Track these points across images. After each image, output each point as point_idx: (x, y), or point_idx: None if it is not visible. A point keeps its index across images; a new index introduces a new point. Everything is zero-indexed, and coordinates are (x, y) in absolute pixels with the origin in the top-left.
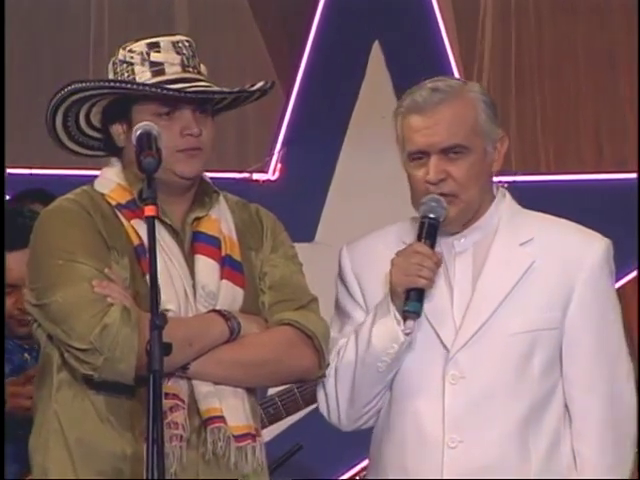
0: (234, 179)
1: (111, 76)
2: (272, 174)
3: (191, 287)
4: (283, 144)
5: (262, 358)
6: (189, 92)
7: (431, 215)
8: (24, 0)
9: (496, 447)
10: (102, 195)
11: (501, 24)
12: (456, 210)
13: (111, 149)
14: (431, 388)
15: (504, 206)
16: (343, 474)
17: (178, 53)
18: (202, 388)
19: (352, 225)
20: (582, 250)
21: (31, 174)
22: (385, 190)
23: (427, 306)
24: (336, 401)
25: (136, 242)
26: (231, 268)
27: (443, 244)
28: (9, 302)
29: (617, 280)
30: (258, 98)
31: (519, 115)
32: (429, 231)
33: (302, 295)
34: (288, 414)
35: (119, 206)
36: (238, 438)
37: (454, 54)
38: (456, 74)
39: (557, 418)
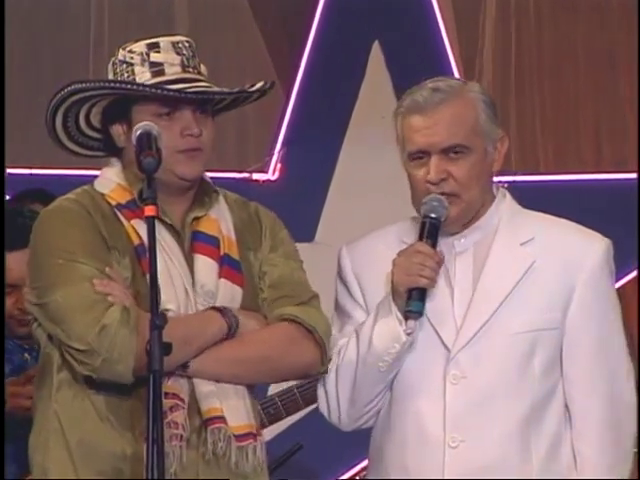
0: (234, 179)
1: (111, 76)
2: (272, 174)
3: (191, 286)
4: (283, 144)
5: (263, 355)
6: (189, 92)
7: (432, 215)
8: (24, 0)
9: (497, 447)
10: (102, 195)
11: (501, 24)
12: (457, 210)
13: (111, 149)
14: (432, 388)
15: (504, 206)
16: (343, 474)
17: (178, 53)
18: (203, 388)
19: (352, 225)
20: (582, 250)
21: (31, 174)
22: (385, 190)
23: (428, 306)
24: (337, 401)
25: (136, 242)
26: (229, 267)
27: (443, 244)
28: (9, 302)
29: (617, 280)
30: (258, 98)
31: (519, 115)
32: (430, 231)
33: (303, 291)
34: (288, 414)
35: (119, 206)
36: (239, 438)
37: (454, 54)
38: (456, 74)
39: (557, 418)
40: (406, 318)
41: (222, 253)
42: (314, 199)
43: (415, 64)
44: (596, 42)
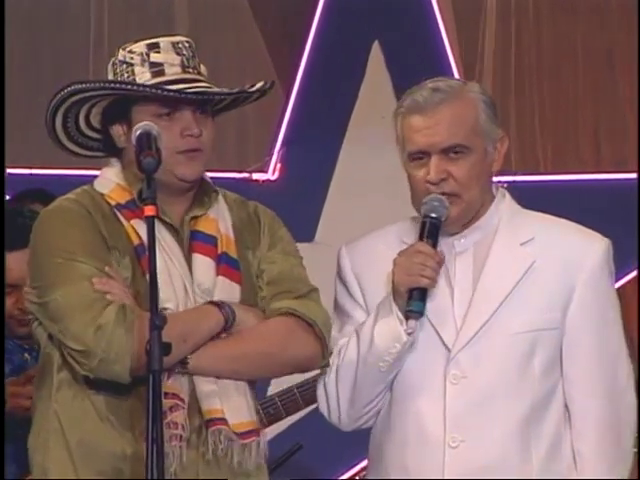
0: (234, 179)
1: (111, 77)
2: (272, 174)
3: (191, 285)
4: (283, 144)
5: (263, 350)
6: (189, 93)
7: (433, 215)
8: (24, 0)
9: (497, 447)
10: (102, 195)
11: (501, 24)
12: (458, 210)
13: (110, 150)
14: (432, 388)
15: (504, 206)
16: (343, 474)
17: (178, 54)
18: (204, 387)
19: (352, 225)
20: (582, 250)
21: (31, 174)
22: (385, 190)
23: (428, 306)
24: (337, 401)
25: (136, 242)
26: (227, 265)
27: (443, 244)
28: (9, 302)
29: (617, 280)
30: (258, 98)
31: (518, 115)
32: (431, 230)
33: (301, 286)
34: (288, 414)
35: (119, 206)
36: (243, 435)
37: (454, 54)
38: (456, 74)
39: (557, 418)
40: (407, 318)
41: (220, 251)
42: (314, 199)
43: (415, 64)
44: (595, 42)
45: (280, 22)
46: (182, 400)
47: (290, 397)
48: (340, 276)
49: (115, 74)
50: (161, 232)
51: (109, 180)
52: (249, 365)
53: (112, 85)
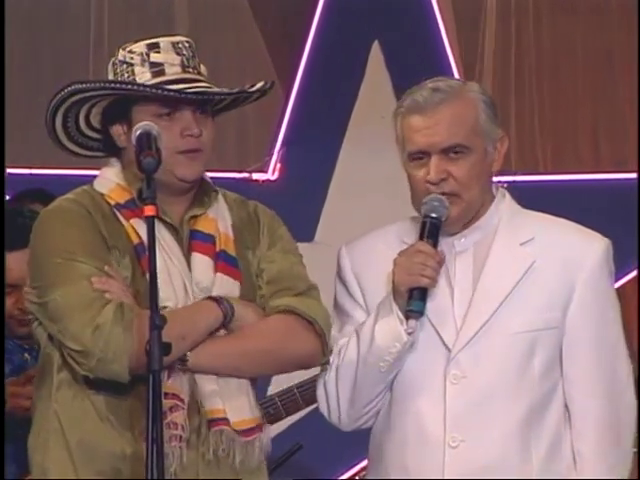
0: (234, 179)
1: (111, 77)
2: (272, 174)
3: (191, 284)
4: (283, 144)
5: (263, 347)
6: (189, 93)
7: (433, 214)
8: (24, 0)
9: (497, 447)
10: (101, 195)
11: (501, 24)
12: (458, 210)
13: (110, 150)
14: (432, 388)
15: (504, 206)
16: (343, 474)
17: (178, 54)
18: (205, 387)
19: (352, 225)
20: (582, 250)
21: (31, 174)
22: (385, 190)
23: (428, 306)
24: (337, 400)
25: (136, 241)
26: (225, 262)
27: (443, 244)
28: (9, 302)
29: (617, 280)
30: (258, 98)
31: (518, 115)
32: (431, 230)
33: (301, 283)
34: (288, 414)
35: (118, 206)
36: (245, 433)
37: (454, 54)
38: (456, 74)
39: (557, 418)
40: (407, 318)
41: (218, 249)
42: (314, 199)
43: (415, 64)
44: (595, 42)
45: (280, 22)
46: (182, 400)
47: (290, 397)
48: (340, 276)
49: (115, 74)
50: (161, 232)
51: (109, 180)
52: (249, 362)
53: (112, 85)
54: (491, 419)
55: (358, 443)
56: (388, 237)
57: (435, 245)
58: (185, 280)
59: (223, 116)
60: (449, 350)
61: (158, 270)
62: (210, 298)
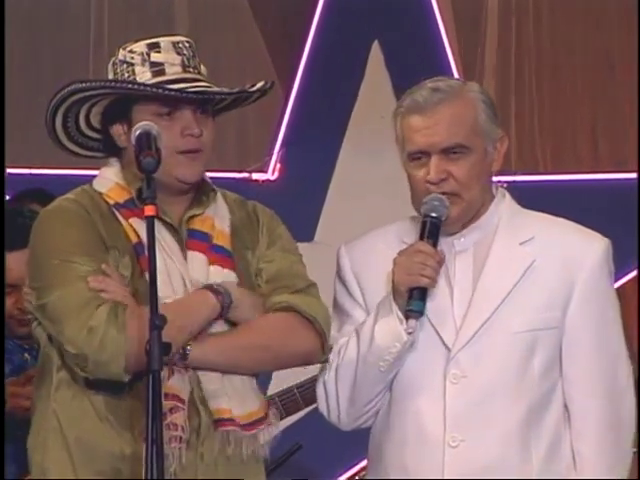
0: (234, 179)
1: (111, 76)
2: (272, 174)
3: (190, 283)
4: (283, 144)
5: (264, 343)
6: (190, 92)
7: (433, 214)
8: (24, 0)
9: (497, 447)
10: (100, 194)
11: (501, 25)
12: (458, 210)
13: (110, 150)
14: (432, 387)
15: (504, 206)
16: (342, 474)
17: (178, 53)
18: (209, 385)
19: (351, 225)
20: (582, 250)
21: (31, 174)
22: (384, 190)
23: (428, 306)
24: (336, 400)
25: (134, 240)
26: (217, 254)
27: (443, 243)
28: (9, 302)
29: (617, 280)
30: (258, 99)
31: (518, 115)
32: (431, 230)
33: (300, 281)
34: (288, 414)
35: (117, 205)
36: (252, 425)
37: (453, 54)
38: (455, 74)
39: (557, 418)
40: (407, 317)
41: (210, 245)
42: (314, 199)
43: (415, 64)
44: (595, 42)
45: (280, 22)
46: (182, 401)
47: (290, 397)
48: (339, 275)
49: (115, 74)
50: (161, 232)
51: (108, 179)
52: (249, 358)
53: (113, 84)
54: (491, 419)
55: (358, 443)
56: (388, 237)
57: (435, 245)
58: (185, 279)
59: (223, 116)
60: (449, 350)
61: (157, 270)
62: (207, 287)
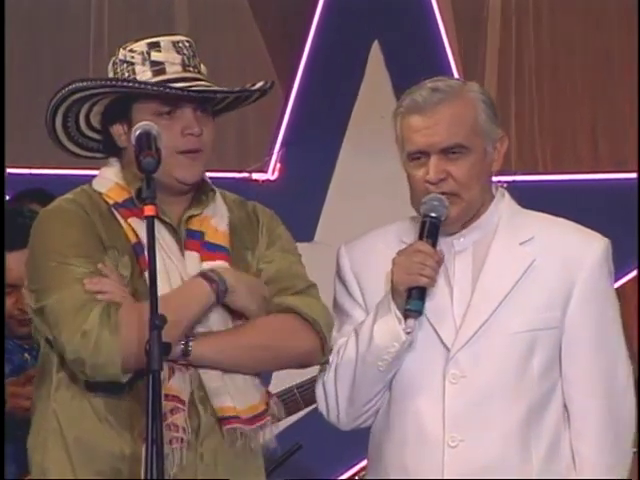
0: (234, 179)
1: (111, 76)
2: (272, 174)
3: None
4: (283, 144)
5: (264, 342)
6: (192, 91)
7: (432, 214)
8: (24, 0)
9: (497, 447)
10: (100, 194)
11: (502, 25)
12: (457, 210)
13: (110, 150)
14: (431, 387)
15: (503, 206)
16: (342, 474)
17: (179, 53)
18: (211, 383)
19: (351, 225)
20: (582, 249)
21: (31, 174)
22: (384, 190)
23: (427, 305)
24: (335, 400)
25: (134, 240)
26: (210, 251)
27: (443, 243)
28: (9, 302)
29: (617, 280)
30: (257, 99)
31: (518, 115)
32: (431, 230)
33: (300, 282)
34: (288, 414)
35: (116, 205)
36: (256, 418)
37: (453, 54)
38: (455, 74)
39: (557, 418)
40: (406, 317)
41: (203, 241)
42: (314, 199)
43: (415, 64)
44: (595, 42)
45: (280, 22)
46: (182, 402)
47: (290, 397)
48: (339, 275)
49: (115, 73)
50: (160, 232)
51: (108, 179)
52: (250, 357)
53: (114, 83)
54: (490, 419)
55: (357, 443)
56: (388, 237)
57: (434, 244)
58: (183, 279)
59: (223, 116)
60: (448, 350)
61: (157, 270)
62: (201, 275)
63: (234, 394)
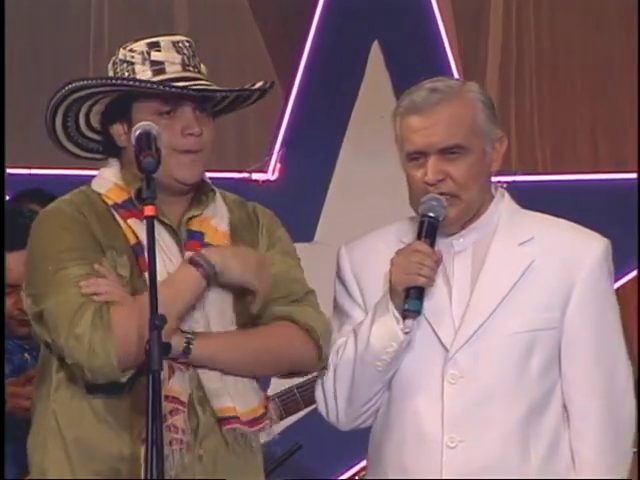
0: (234, 179)
1: (111, 75)
2: (272, 174)
3: None
4: (282, 144)
5: (266, 346)
6: (192, 90)
7: (431, 214)
8: (24, 0)
9: (496, 447)
10: (99, 195)
11: (502, 25)
12: (456, 211)
13: (110, 151)
14: (430, 388)
15: (503, 206)
16: (342, 474)
17: (178, 52)
18: (211, 384)
19: (351, 225)
20: (581, 250)
21: (30, 174)
22: (384, 190)
23: (426, 305)
24: (335, 400)
25: (133, 241)
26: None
27: (442, 243)
28: (9, 302)
29: (617, 280)
30: (256, 100)
31: (518, 115)
32: (429, 230)
33: (298, 289)
34: (288, 414)
35: (116, 206)
36: (255, 421)
37: (453, 54)
38: (455, 74)
39: (556, 418)
40: (404, 317)
41: (203, 242)
42: (313, 199)
43: (414, 64)
44: (595, 42)
45: (280, 22)
46: (182, 404)
47: (290, 397)
48: (339, 276)
49: (115, 73)
50: (160, 233)
51: (107, 180)
52: (251, 359)
53: (113, 82)
54: (489, 419)
55: (357, 443)
56: (387, 237)
57: (432, 244)
58: None
59: (223, 116)
60: (446, 350)
61: (157, 271)
62: (189, 261)
63: (234, 395)
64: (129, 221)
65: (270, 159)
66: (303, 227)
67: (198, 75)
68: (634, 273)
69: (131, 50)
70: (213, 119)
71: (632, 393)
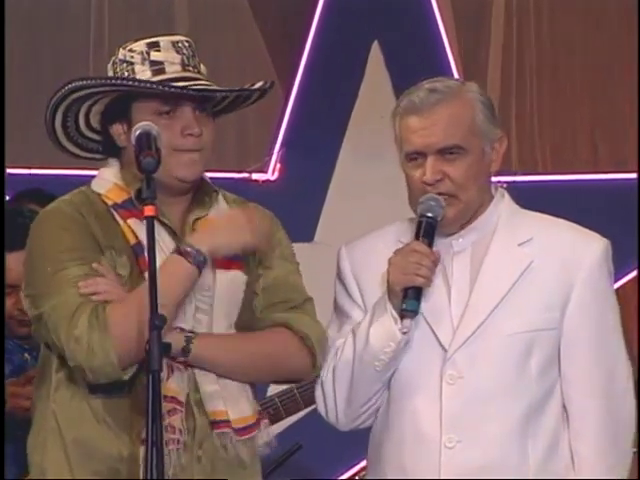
0: (234, 179)
1: (111, 75)
2: (271, 174)
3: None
4: (282, 144)
5: (264, 351)
6: (192, 90)
7: (429, 214)
8: (24, 0)
9: (494, 447)
10: (99, 195)
11: (501, 24)
12: (455, 211)
13: (109, 151)
14: (429, 388)
15: (503, 206)
16: (342, 474)
17: (178, 52)
18: (207, 387)
19: (351, 225)
20: (581, 250)
21: (30, 174)
22: (384, 190)
23: (425, 306)
24: (334, 400)
25: (133, 241)
26: (223, 257)
27: (441, 244)
28: (9, 302)
29: (617, 280)
30: (256, 100)
31: (518, 115)
32: (427, 230)
33: (296, 295)
34: (288, 414)
35: (115, 206)
36: (246, 430)
37: (453, 54)
38: (455, 74)
39: (555, 418)
40: (402, 317)
41: None
42: (313, 199)
43: (414, 64)
44: (595, 42)
45: (280, 22)
46: (180, 404)
47: (290, 397)
48: (339, 277)
49: (115, 73)
50: (160, 233)
51: (106, 180)
52: (249, 362)
53: (113, 81)
54: (488, 420)
55: (357, 443)
56: (387, 238)
57: (431, 244)
58: None
59: (223, 116)
60: (445, 350)
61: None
62: (178, 252)
63: (228, 400)
64: (129, 221)
65: (270, 159)
66: (303, 227)
67: (198, 75)
68: (634, 273)
69: (131, 50)
70: (213, 119)
71: (632, 393)
